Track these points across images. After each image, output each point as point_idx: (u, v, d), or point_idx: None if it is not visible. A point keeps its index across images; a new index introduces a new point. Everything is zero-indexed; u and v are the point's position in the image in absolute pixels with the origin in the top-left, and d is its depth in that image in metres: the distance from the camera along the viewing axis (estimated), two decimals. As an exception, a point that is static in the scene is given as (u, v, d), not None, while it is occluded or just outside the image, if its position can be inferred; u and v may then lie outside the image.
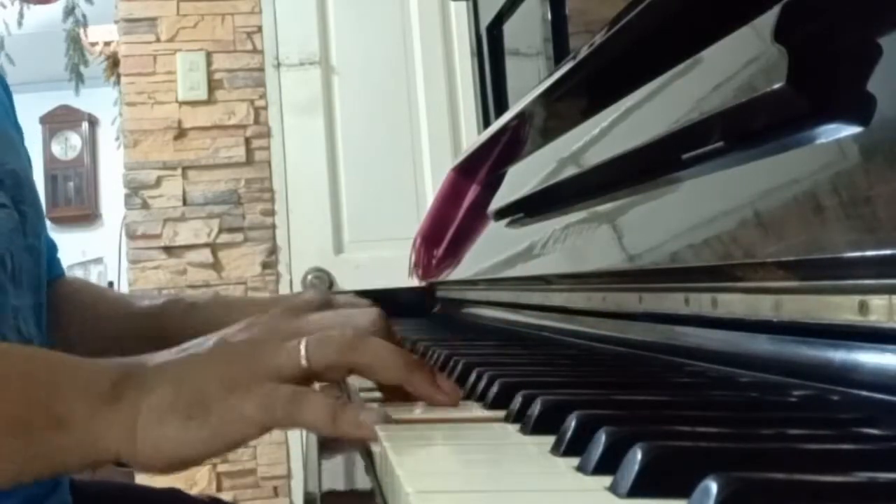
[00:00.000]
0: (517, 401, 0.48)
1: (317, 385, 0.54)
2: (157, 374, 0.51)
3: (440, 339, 0.91)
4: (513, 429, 0.46)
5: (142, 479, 2.33)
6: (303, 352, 0.50)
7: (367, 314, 0.65)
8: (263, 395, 0.48)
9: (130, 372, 0.51)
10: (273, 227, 2.48)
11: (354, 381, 0.68)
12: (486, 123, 1.43)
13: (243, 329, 0.62)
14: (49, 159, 5.15)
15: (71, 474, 0.50)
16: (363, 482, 0.44)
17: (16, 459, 0.48)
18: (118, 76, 2.60)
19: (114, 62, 2.94)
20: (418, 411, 0.53)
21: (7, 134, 0.84)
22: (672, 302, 0.57)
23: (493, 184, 1.24)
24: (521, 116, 1.07)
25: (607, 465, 0.34)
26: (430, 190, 2.37)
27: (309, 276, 2.45)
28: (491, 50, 1.42)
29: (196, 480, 2.36)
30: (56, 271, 0.98)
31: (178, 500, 1.00)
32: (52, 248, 0.97)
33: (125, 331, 0.89)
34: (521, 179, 1.05)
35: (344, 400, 0.50)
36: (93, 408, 0.48)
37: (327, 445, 0.53)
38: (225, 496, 2.32)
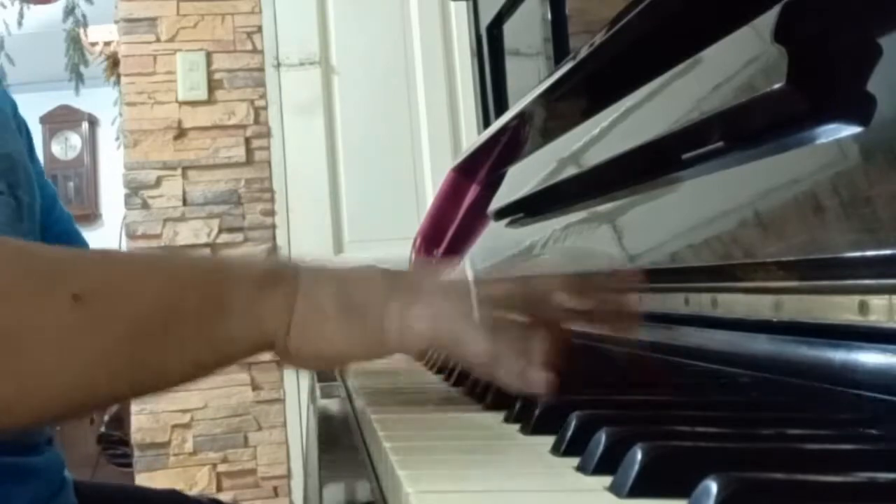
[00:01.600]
0: (517, 401, 0.48)
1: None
2: (316, 269, 0.51)
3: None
4: (513, 429, 0.46)
5: (142, 479, 2.34)
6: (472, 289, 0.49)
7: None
8: (433, 308, 0.48)
9: (285, 263, 0.51)
10: (273, 227, 2.48)
11: (353, 382, 0.68)
12: (486, 123, 1.43)
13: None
14: (49, 159, 5.15)
15: (234, 362, 0.51)
16: (363, 482, 0.44)
17: (190, 349, 0.49)
18: (118, 76, 2.60)
19: (114, 62, 2.94)
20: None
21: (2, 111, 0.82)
22: (672, 302, 0.57)
23: (493, 184, 1.24)
24: (521, 116, 1.07)
25: (607, 465, 0.34)
26: (430, 190, 2.37)
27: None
28: (491, 50, 1.42)
29: (196, 480, 2.37)
30: (78, 241, 0.98)
31: (178, 501, 1.00)
32: (70, 220, 0.98)
33: None
34: (521, 179, 1.05)
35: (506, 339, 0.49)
36: (251, 294, 0.49)
37: (327, 444, 0.53)
38: (225, 496, 2.32)
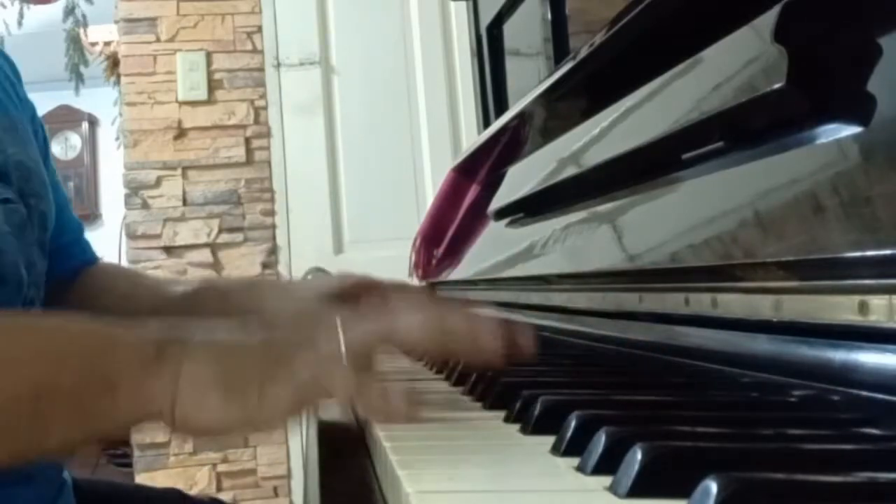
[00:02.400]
0: (517, 401, 0.48)
1: None
2: (200, 345, 0.53)
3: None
4: (513, 429, 0.46)
5: (142, 479, 2.34)
6: (340, 334, 0.52)
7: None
8: (295, 380, 0.51)
9: (173, 338, 0.53)
10: (273, 227, 2.48)
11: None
12: (486, 123, 1.43)
13: (288, 326, 0.61)
14: (49, 159, 5.14)
15: (117, 433, 0.53)
16: (363, 482, 0.44)
17: (69, 425, 0.50)
18: (118, 76, 2.60)
19: (114, 62, 2.94)
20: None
21: (14, 121, 0.82)
22: (672, 302, 0.57)
23: (493, 184, 1.24)
24: (521, 116, 1.07)
25: (607, 465, 0.34)
26: (430, 190, 2.37)
27: (309, 277, 2.45)
28: (491, 50, 1.42)
29: (196, 480, 2.37)
30: (89, 257, 0.98)
31: (178, 500, 1.00)
32: (80, 230, 0.97)
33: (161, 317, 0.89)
34: (521, 179, 1.05)
35: (371, 376, 0.53)
36: (139, 371, 0.50)
37: (327, 444, 0.53)
38: (225, 496, 2.32)
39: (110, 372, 0.50)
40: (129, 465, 2.45)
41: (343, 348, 0.52)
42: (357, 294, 0.79)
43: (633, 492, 0.31)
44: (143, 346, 0.52)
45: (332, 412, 0.67)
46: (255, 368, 0.52)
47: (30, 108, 0.90)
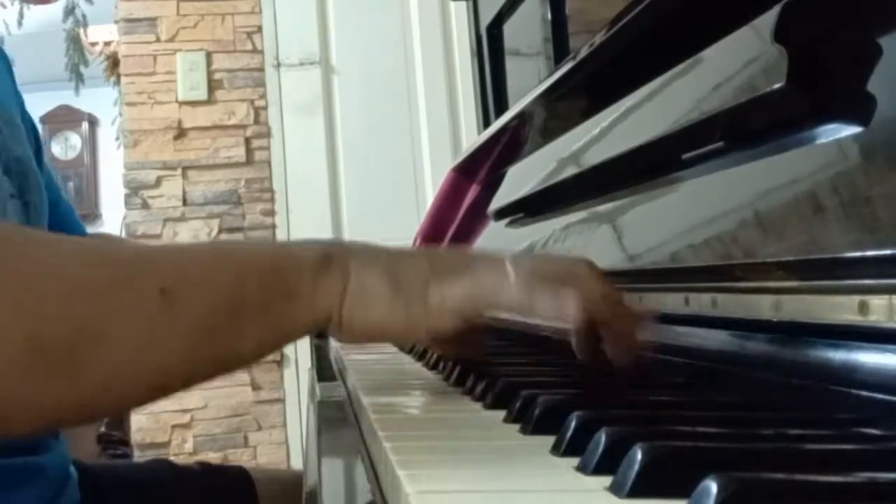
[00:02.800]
0: (517, 401, 0.48)
1: None
2: (367, 251, 0.56)
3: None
4: (513, 429, 0.46)
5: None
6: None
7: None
8: (463, 287, 0.54)
9: (340, 245, 0.56)
10: (273, 227, 2.48)
11: (353, 382, 0.68)
12: (486, 123, 1.43)
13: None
14: (49, 159, 5.13)
15: (295, 340, 0.56)
16: (363, 482, 0.44)
17: (259, 333, 0.52)
18: (118, 76, 2.60)
19: (114, 62, 2.94)
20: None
21: (12, 118, 0.82)
22: (672, 302, 0.57)
23: (493, 184, 1.24)
24: (521, 116, 1.07)
25: (607, 465, 0.34)
26: (430, 190, 2.37)
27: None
28: (491, 50, 1.42)
29: (196, 480, 2.37)
30: (79, 232, 0.98)
31: (167, 469, 1.01)
32: (71, 213, 0.98)
33: None
34: (521, 179, 1.05)
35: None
36: (313, 277, 0.53)
37: (328, 444, 0.53)
38: (225, 496, 2.32)
39: (287, 281, 0.53)
40: (129, 465, 2.45)
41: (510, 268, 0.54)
42: None
43: (634, 492, 0.31)
44: (312, 254, 0.54)
45: (332, 411, 0.67)
46: (421, 273, 0.54)
47: (19, 100, 0.90)
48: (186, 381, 0.52)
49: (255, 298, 0.52)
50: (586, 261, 0.57)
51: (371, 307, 0.54)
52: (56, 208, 0.91)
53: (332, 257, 0.54)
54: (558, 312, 0.53)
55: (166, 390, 0.52)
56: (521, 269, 0.55)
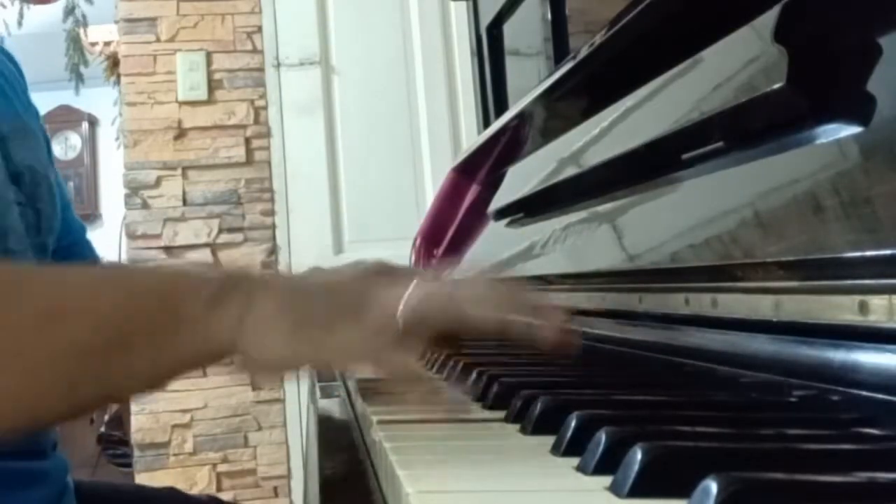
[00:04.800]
0: (517, 401, 0.48)
1: None
2: (270, 280, 0.54)
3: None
4: (513, 429, 0.46)
5: (142, 479, 2.34)
6: (403, 302, 0.52)
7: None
8: (371, 329, 0.51)
9: (241, 274, 0.54)
10: (273, 227, 2.48)
11: (353, 382, 0.68)
12: (486, 123, 1.43)
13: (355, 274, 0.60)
14: (49, 160, 5.15)
15: (190, 371, 0.54)
16: (363, 482, 0.44)
17: (147, 362, 0.50)
18: (118, 76, 2.60)
19: (114, 62, 2.94)
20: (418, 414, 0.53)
21: (25, 126, 0.82)
22: (672, 302, 0.57)
23: (493, 184, 1.24)
24: (521, 116, 1.07)
25: (607, 465, 0.34)
26: (430, 190, 2.37)
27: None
28: (491, 50, 1.42)
29: (196, 480, 2.37)
30: (92, 258, 0.98)
31: (177, 499, 1.01)
32: (83, 231, 0.98)
33: None
34: (521, 179, 1.05)
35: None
36: (208, 305, 0.51)
37: (328, 444, 0.53)
38: (225, 496, 2.32)
39: (177, 307, 0.50)
40: (129, 465, 2.45)
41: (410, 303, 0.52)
42: None
43: (634, 492, 0.31)
44: (210, 281, 0.52)
45: (332, 411, 0.67)
46: (326, 306, 0.52)
47: (35, 111, 0.91)
48: (73, 407, 0.50)
49: (141, 323, 0.50)
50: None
51: (269, 337, 0.51)
52: (65, 212, 0.92)
53: (234, 287, 0.52)
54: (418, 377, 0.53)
55: (52, 414, 0.50)
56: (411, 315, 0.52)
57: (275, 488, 2.42)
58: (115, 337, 0.49)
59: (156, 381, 0.53)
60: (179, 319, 0.50)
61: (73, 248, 0.95)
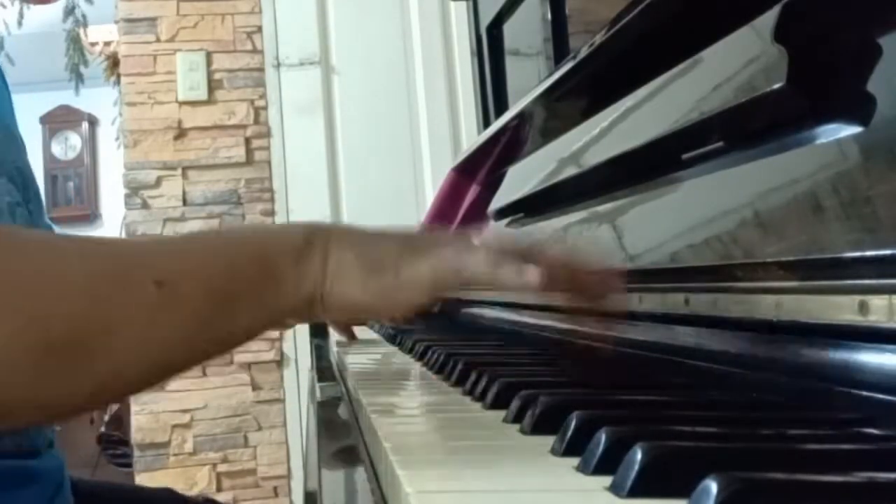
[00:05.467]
0: (517, 401, 0.48)
1: None
2: (343, 232, 0.61)
3: (440, 339, 0.91)
4: (513, 429, 0.46)
5: (142, 479, 2.33)
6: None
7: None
8: (431, 260, 0.59)
9: (318, 228, 0.61)
10: (273, 227, 2.48)
11: (353, 382, 0.68)
12: (486, 123, 1.43)
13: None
14: (49, 159, 5.15)
15: (282, 322, 0.63)
16: (363, 482, 0.44)
17: (250, 316, 0.56)
18: (118, 76, 2.60)
19: (114, 62, 2.94)
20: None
21: (12, 131, 0.83)
22: (672, 302, 0.57)
23: (493, 184, 1.24)
24: (521, 116, 1.07)
25: (607, 465, 0.34)
26: (430, 190, 2.37)
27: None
28: (491, 50, 1.42)
29: (196, 480, 2.37)
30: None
31: (172, 499, 1.01)
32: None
33: None
34: (521, 179, 1.05)
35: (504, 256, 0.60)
36: (295, 260, 0.57)
37: (328, 444, 0.53)
38: (225, 496, 2.32)
39: (275, 268, 0.57)
40: (129, 465, 2.45)
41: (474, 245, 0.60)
42: None
43: (634, 492, 0.31)
44: (293, 239, 0.59)
45: (332, 411, 0.67)
46: (393, 251, 0.60)
47: (13, 117, 0.91)
48: (186, 363, 0.55)
49: (245, 286, 0.55)
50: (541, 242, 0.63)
51: (348, 284, 0.58)
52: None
53: (313, 240, 0.58)
54: (520, 281, 0.58)
55: (168, 374, 0.55)
56: (485, 246, 0.60)
57: (275, 488, 2.42)
58: (224, 299, 0.54)
59: (257, 332, 0.58)
60: (275, 278, 0.56)
61: None
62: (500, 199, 1.13)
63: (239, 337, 0.57)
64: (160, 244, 0.63)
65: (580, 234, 0.79)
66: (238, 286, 0.55)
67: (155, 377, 0.54)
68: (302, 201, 2.48)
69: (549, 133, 0.99)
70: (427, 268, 0.59)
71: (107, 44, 3.43)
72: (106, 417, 3.13)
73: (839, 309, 0.40)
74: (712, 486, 0.27)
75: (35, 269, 0.47)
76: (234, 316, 0.55)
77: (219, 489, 2.37)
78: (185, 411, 2.37)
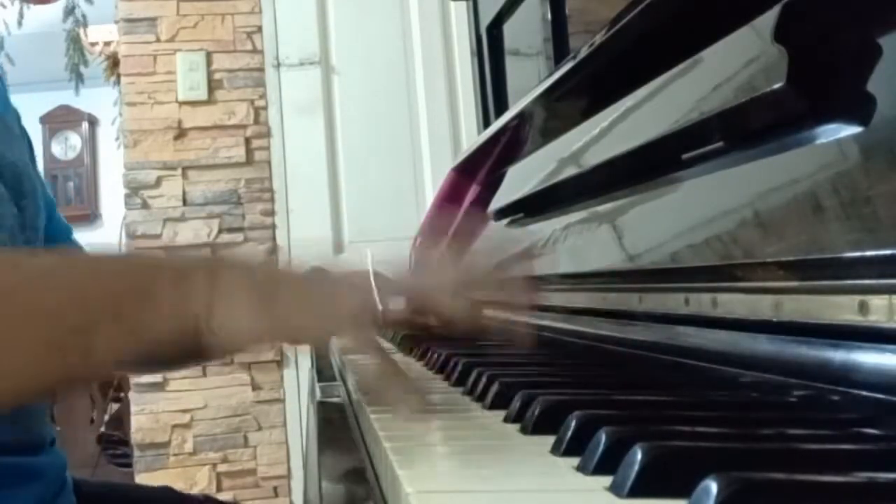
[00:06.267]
0: (517, 401, 0.48)
1: None
2: (237, 260, 0.58)
3: (440, 339, 0.91)
4: (513, 429, 0.46)
5: (142, 479, 2.34)
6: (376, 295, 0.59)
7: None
8: (324, 304, 0.55)
9: (209, 256, 0.57)
10: (273, 227, 2.48)
11: (353, 382, 0.68)
12: (486, 123, 1.43)
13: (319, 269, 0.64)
14: (49, 159, 5.14)
15: (160, 350, 0.56)
16: (363, 482, 0.44)
17: (114, 338, 0.52)
18: (118, 76, 2.60)
19: (114, 62, 2.94)
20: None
21: (5, 123, 0.83)
22: (672, 302, 0.57)
23: (493, 184, 1.24)
24: (521, 116, 1.07)
25: (607, 465, 0.34)
26: (430, 190, 2.37)
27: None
28: (491, 50, 1.42)
29: (196, 480, 2.37)
30: (63, 230, 0.98)
31: (172, 497, 1.01)
32: (69, 232, 0.98)
33: None
34: (521, 179, 1.05)
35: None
36: (178, 282, 0.53)
37: (328, 444, 0.53)
38: (225, 496, 2.32)
39: (150, 285, 0.52)
40: (129, 465, 2.45)
41: (374, 289, 0.58)
42: None
43: (634, 492, 0.31)
44: (181, 261, 0.57)
45: (332, 411, 0.67)
46: (289, 284, 0.56)
47: (13, 109, 0.91)
48: (40, 385, 0.53)
49: (106, 302, 0.52)
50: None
51: (237, 308, 0.52)
52: (51, 213, 0.92)
53: (199, 264, 0.55)
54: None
55: (21, 392, 0.52)
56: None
57: (275, 488, 2.42)
58: (83, 316, 0.51)
59: (127, 355, 0.54)
60: (145, 296, 0.52)
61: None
62: (500, 199, 1.13)
63: (105, 361, 0.54)
64: (34, 261, 0.58)
65: (580, 234, 0.79)
66: (95, 305, 0.52)
67: (16, 392, 0.52)
68: (302, 201, 2.48)
69: (549, 133, 0.99)
70: (319, 309, 0.55)
71: (107, 44, 3.43)
72: (106, 417, 3.13)
73: (839, 309, 0.40)
74: (712, 486, 0.27)
75: None
76: (92, 337, 0.51)
77: (219, 489, 2.37)
78: (185, 411, 2.37)
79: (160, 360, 0.56)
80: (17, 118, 0.91)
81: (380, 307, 0.59)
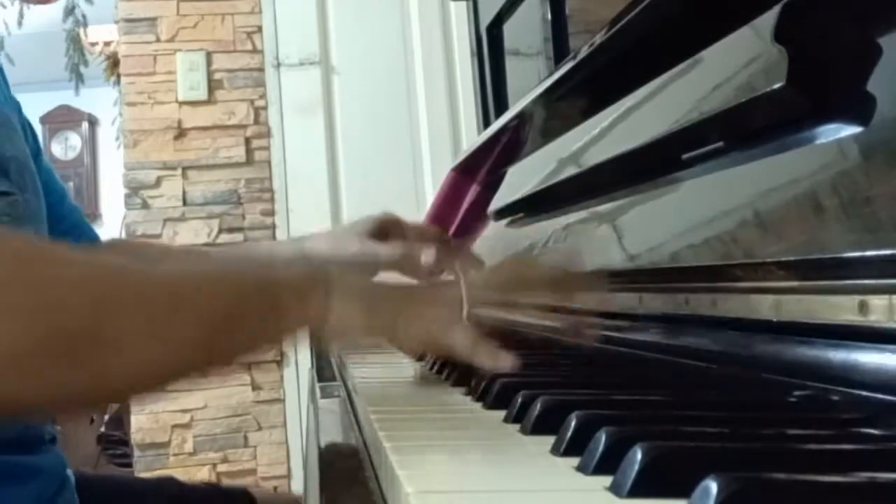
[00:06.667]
0: (517, 401, 0.48)
1: None
2: (343, 281, 0.66)
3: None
4: (513, 429, 0.46)
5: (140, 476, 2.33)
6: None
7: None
8: (426, 324, 0.66)
9: (319, 273, 0.66)
10: (273, 227, 2.48)
11: (353, 382, 0.68)
12: (486, 123, 1.43)
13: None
14: (49, 159, 5.13)
15: (287, 340, 0.69)
16: (363, 482, 0.44)
17: (252, 341, 0.62)
18: (118, 76, 2.60)
19: (114, 62, 2.94)
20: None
21: (6, 117, 0.83)
22: (672, 302, 0.57)
23: (493, 184, 1.24)
24: (521, 116, 1.07)
25: (607, 465, 0.34)
26: (430, 190, 2.37)
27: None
28: (491, 50, 1.42)
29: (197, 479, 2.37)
30: (91, 236, 0.99)
31: (173, 486, 1.01)
32: (79, 213, 0.99)
33: None
34: (521, 179, 1.05)
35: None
36: (300, 294, 0.62)
37: (327, 445, 0.53)
38: (225, 496, 2.32)
39: (278, 299, 0.62)
40: (129, 464, 2.45)
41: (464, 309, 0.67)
42: (385, 231, 0.97)
43: (634, 492, 0.31)
44: (298, 276, 0.66)
45: (332, 411, 0.67)
46: (392, 305, 0.67)
47: (15, 103, 0.91)
48: (185, 370, 0.59)
49: (248, 314, 0.60)
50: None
51: (352, 315, 0.64)
52: (58, 207, 0.92)
53: (316, 282, 0.64)
54: (494, 364, 0.62)
55: (166, 379, 0.58)
56: (467, 325, 0.66)
57: (275, 488, 2.42)
58: (225, 326, 0.58)
59: (264, 349, 0.67)
60: (277, 310, 0.62)
61: (72, 231, 0.96)
62: (500, 199, 1.13)
63: (236, 353, 0.62)
64: (175, 269, 0.67)
65: (580, 234, 0.79)
66: (242, 309, 0.59)
67: (154, 379, 0.56)
68: (302, 201, 2.48)
69: (549, 133, 0.99)
70: (419, 330, 0.66)
71: (107, 44, 3.43)
72: (106, 417, 3.13)
73: (839, 309, 0.40)
74: (712, 486, 0.27)
75: (51, 273, 0.50)
76: (235, 334, 0.59)
77: (219, 489, 2.37)
78: (185, 411, 2.37)
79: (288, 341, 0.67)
80: (18, 109, 0.91)
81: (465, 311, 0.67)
